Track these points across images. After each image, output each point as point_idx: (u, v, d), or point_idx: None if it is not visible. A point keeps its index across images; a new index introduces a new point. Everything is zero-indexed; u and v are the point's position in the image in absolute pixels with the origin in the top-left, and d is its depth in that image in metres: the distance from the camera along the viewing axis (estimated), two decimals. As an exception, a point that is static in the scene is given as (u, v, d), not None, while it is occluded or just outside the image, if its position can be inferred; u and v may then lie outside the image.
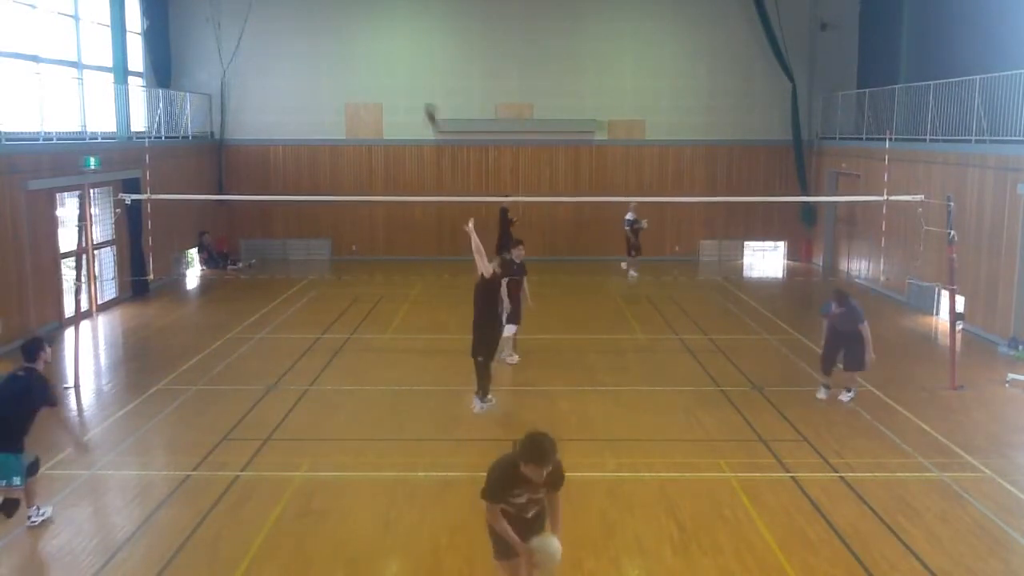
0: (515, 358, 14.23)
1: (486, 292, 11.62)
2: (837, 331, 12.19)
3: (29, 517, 8.44)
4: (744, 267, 25.43)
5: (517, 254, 13.99)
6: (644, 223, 22.95)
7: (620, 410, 12.16)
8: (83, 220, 14.03)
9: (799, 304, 20.27)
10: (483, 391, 11.76)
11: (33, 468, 8.48)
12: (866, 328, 12.05)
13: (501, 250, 18.79)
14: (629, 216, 22.91)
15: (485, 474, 6.20)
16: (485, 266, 11.55)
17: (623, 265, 23.32)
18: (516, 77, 25.70)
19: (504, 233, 22.23)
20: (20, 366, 8.52)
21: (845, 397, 12.37)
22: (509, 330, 13.74)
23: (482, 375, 11.69)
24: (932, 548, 8.09)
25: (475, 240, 11.47)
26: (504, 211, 22.33)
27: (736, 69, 25.63)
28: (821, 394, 12.56)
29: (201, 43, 25.16)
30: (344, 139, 25.85)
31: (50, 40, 18.68)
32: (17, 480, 8.15)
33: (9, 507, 8.29)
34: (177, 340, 16.04)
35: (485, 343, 11.61)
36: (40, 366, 8.52)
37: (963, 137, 17.31)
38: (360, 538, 8.34)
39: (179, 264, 22.87)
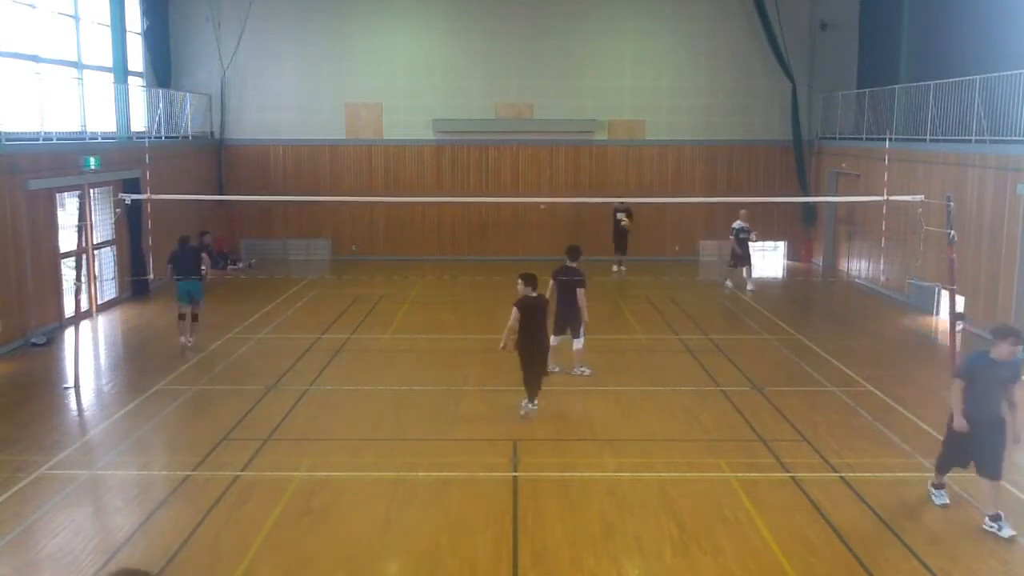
0: (586, 371, 13.54)
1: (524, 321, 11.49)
2: (983, 408, 8.51)
3: None
4: (744, 267, 25.41)
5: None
6: (754, 235, 21.17)
7: (620, 410, 12.17)
8: (83, 220, 14.03)
9: (799, 304, 20.24)
10: (529, 396, 11.66)
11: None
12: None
13: (621, 251, 21.02)
14: (738, 224, 21.08)
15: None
16: (510, 324, 11.45)
17: (728, 283, 21.41)
18: (516, 77, 25.71)
19: (619, 234, 22.95)
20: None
21: (993, 526, 8.37)
22: (579, 343, 13.35)
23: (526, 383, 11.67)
24: (932, 548, 8.09)
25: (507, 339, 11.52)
26: (624, 211, 22.88)
27: (736, 69, 25.63)
28: (942, 498, 9.04)
29: (201, 43, 25.16)
30: (344, 139, 25.86)
31: (50, 40, 18.68)
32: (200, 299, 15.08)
33: (196, 319, 15.26)
34: (177, 340, 16.02)
35: (524, 358, 11.56)
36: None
37: (963, 137, 17.30)
38: (360, 538, 8.34)
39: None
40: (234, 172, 25.75)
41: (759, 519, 8.67)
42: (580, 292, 13.05)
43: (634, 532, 8.43)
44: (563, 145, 25.94)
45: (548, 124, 25.69)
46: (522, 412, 11.60)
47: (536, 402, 11.66)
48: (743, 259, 21.25)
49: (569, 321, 13.31)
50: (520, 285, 11.55)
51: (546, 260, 20.72)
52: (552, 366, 12.73)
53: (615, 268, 23.34)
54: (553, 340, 12.99)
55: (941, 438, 10.88)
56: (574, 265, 13.33)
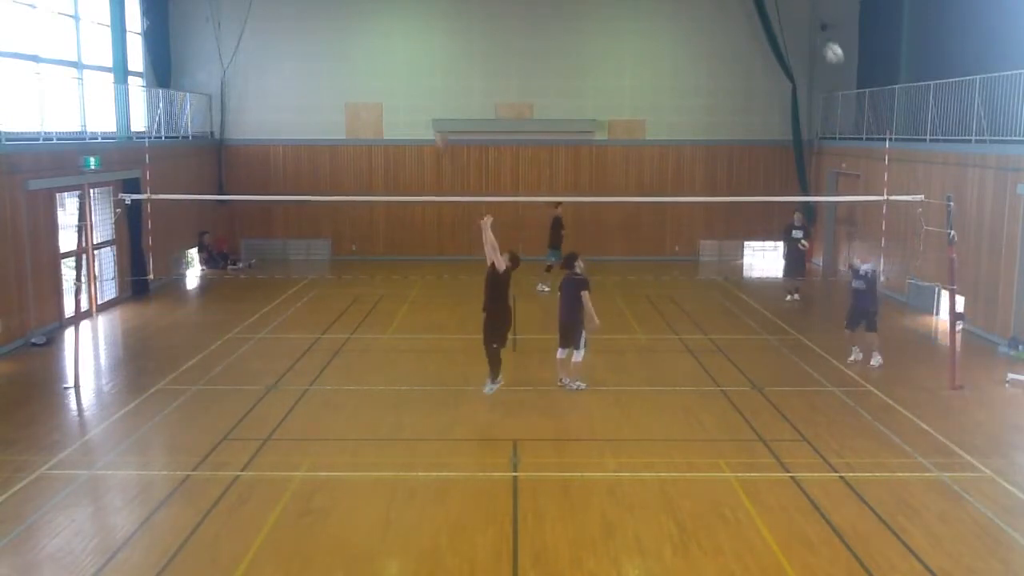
0: (582, 385, 12.96)
1: (495, 283, 12.09)
2: None
3: None
4: (744, 267, 25.42)
5: (581, 266, 13.03)
6: (805, 244, 19.72)
7: (620, 410, 12.16)
8: (83, 220, 14.03)
9: (799, 304, 20.20)
10: (493, 374, 12.29)
11: None
12: None
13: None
14: (795, 222, 19.74)
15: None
16: (498, 260, 12.00)
17: (788, 298, 19.78)
18: (516, 77, 25.71)
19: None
20: None
21: None
22: (580, 355, 12.80)
23: (493, 361, 12.23)
24: (932, 548, 8.09)
25: (488, 235, 11.95)
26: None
27: (736, 69, 25.63)
28: None
29: (201, 43, 25.16)
30: (344, 139, 25.86)
31: (50, 40, 18.68)
32: None
33: None
34: (177, 340, 16.04)
35: (496, 331, 12.11)
36: None
37: (963, 137, 17.30)
38: (360, 538, 8.35)
39: (179, 264, 22.86)
40: (234, 172, 25.74)
41: (759, 519, 8.67)
42: (585, 295, 12.64)
43: (634, 532, 8.43)
44: (563, 145, 25.93)
45: (548, 124, 25.69)
46: (487, 391, 12.26)
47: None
48: (793, 267, 19.95)
49: (571, 331, 12.77)
50: (505, 258, 12.17)
51: (544, 260, 20.83)
52: (570, 381, 12.91)
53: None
54: (560, 353, 12.98)
55: (941, 438, 10.92)
56: (575, 271, 12.90)
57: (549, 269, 20.04)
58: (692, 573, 7.69)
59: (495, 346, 12.18)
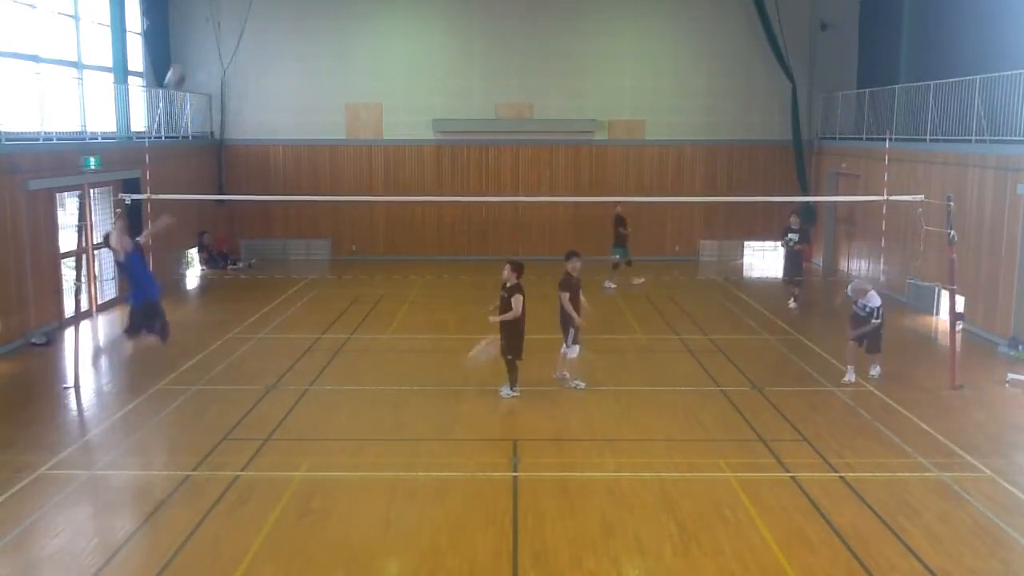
0: (581, 384, 13.06)
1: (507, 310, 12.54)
2: None
3: None
4: (744, 267, 25.42)
5: (572, 267, 12.95)
6: (798, 245, 18.83)
7: (620, 410, 12.17)
8: (83, 220, 14.02)
9: (799, 304, 20.21)
10: (512, 382, 12.61)
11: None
12: None
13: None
14: (792, 225, 18.98)
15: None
16: (516, 312, 12.30)
17: (791, 304, 18.99)
18: (516, 77, 25.71)
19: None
20: None
21: None
22: (573, 351, 12.91)
23: (511, 370, 12.59)
24: (932, 548, 8.08)
25: (499, 319, 12.40)
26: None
27: (736, 69, 25.64)
28: None
29: (201, 43, 25.17)
30: (344, 139, 25.87)
31: (50, 40, 18.68)
32: None
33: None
34: (177, 340, 15.97)
35: (511, 345, 12.44)
36: None
37: (963, 137, 17.30)
38: (360, 538, 8.35)
39: (179, 264, 22.84)
40: (234, 172, 25.75)
41: (759, 519, 8.67)
42: (563, 295, 12.76)
43: (634, 532, 8.43)
44: (563, 145, 25.94)
45: (548, 124, 25.70)
46: (503, 394, 12.57)
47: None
48: (790, 270, 19.21)
49: (562, 327, 12.95)
50: (507, 271, 12.41)
51: (546, 260, 20.87)
52: (568, 379, 13.11)
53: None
54: (563, 348, 13.08)
55: (941, 438, 10.93)
56: (567, 269, 12.97)
57: (616, 267, 21.34)
58: (692, 573, 7.69)
59: (510, 357, 12.47)
